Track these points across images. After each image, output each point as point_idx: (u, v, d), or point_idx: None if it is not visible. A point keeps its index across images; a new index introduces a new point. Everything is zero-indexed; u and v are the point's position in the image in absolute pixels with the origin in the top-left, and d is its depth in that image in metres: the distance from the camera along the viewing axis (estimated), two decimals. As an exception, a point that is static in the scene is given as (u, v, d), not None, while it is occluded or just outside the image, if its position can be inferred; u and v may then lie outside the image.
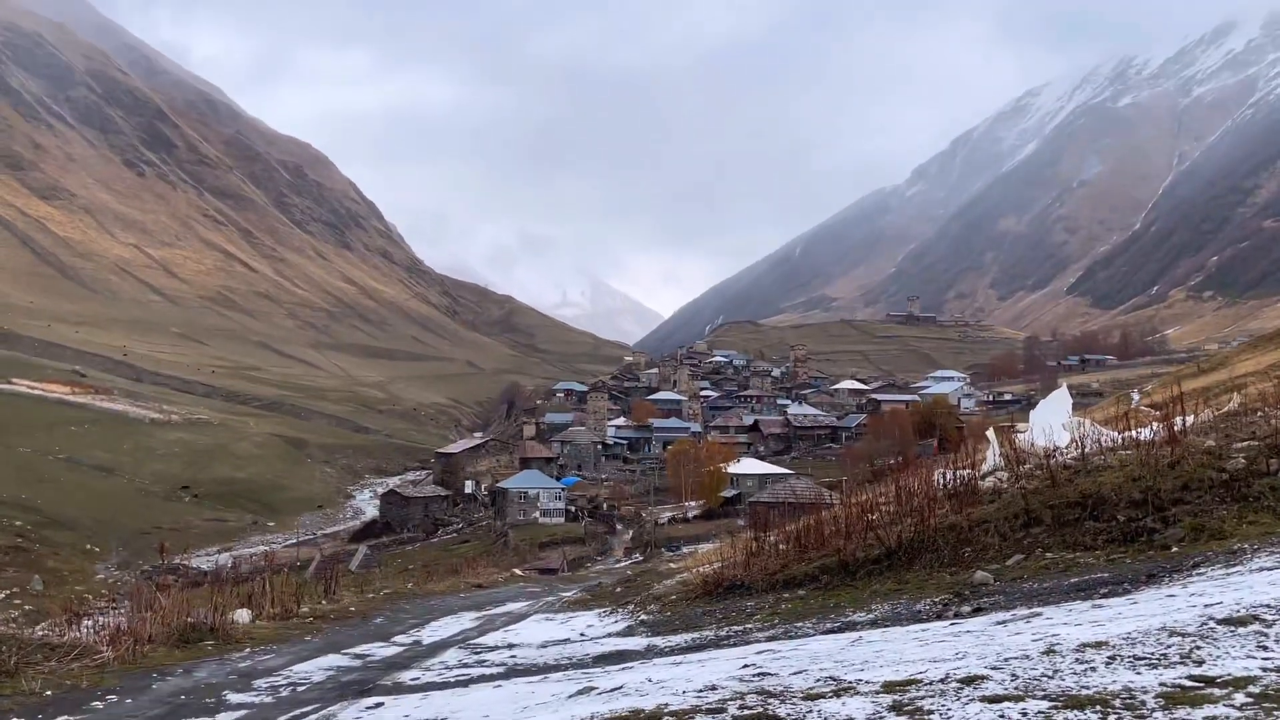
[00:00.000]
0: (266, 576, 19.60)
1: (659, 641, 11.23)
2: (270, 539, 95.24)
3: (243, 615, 16.05)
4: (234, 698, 9.82)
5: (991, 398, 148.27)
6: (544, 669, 10.29)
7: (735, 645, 9.73)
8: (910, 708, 4.81)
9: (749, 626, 11.02)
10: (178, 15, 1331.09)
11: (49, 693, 9.99)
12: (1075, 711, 4.37)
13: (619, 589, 20.02)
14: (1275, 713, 4.06)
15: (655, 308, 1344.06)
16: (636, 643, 11.44)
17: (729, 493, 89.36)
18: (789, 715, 5.07)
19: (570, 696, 7.52)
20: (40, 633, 12.98)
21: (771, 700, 5.55)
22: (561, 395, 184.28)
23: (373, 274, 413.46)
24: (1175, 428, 12.29)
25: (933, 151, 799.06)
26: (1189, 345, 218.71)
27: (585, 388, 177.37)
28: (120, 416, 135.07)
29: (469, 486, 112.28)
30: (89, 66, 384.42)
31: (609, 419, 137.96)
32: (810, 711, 5.06)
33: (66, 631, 12.97)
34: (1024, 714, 4.46)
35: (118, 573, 77.86)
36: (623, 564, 55.32)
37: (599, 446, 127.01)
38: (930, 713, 4.67)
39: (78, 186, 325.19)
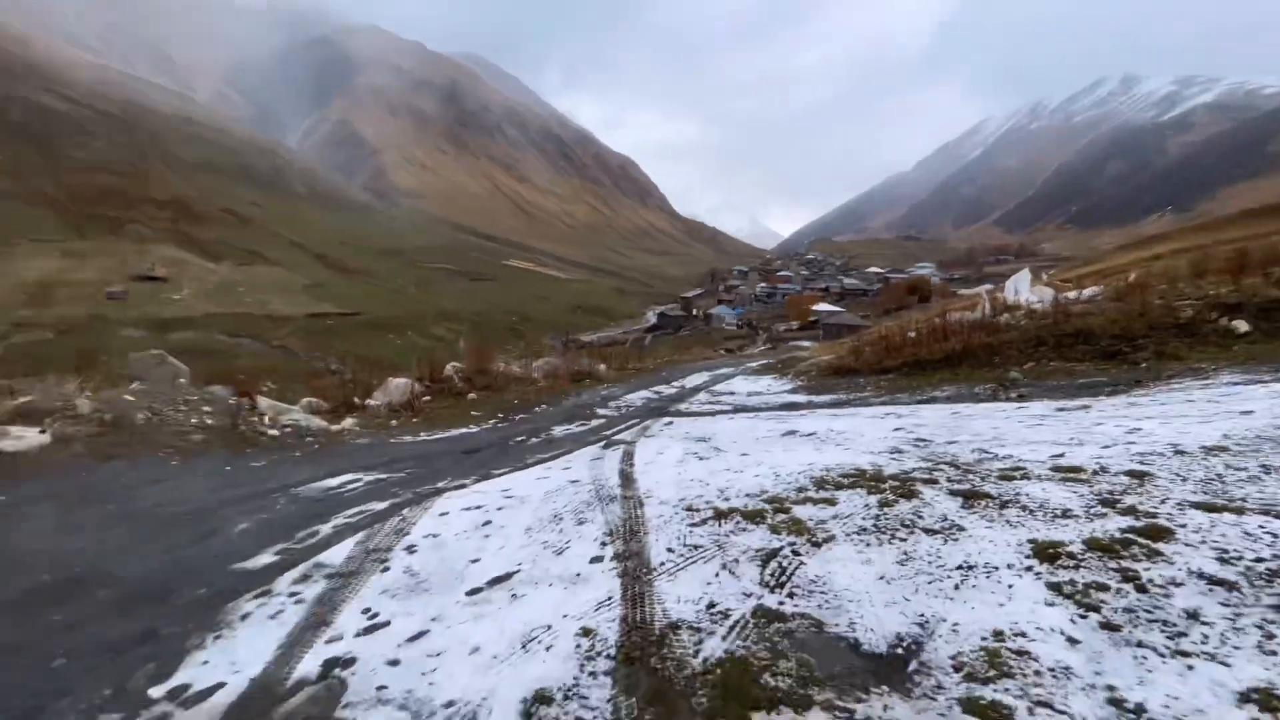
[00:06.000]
0: (612, 350, 33.72)
1: (814, 399, 14.82)
2: (612, 331, 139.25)
3: (601, 367, 25.10)
4: (600, 410, 15.16)
5: (950, 276, 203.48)
6: (755, 409, 13.88)
7: (861, 406, 12.56)
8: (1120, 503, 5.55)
9: (866, 395, 14.20)
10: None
11: (515, 401, 16.91)
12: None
13: (779, 364, 26.04)
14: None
15: (776, 229, 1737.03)
16: (801, 398, 15.22)
17: (813, 318, 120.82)
18: (997, 494, 6.06)
19: (784, 435, 9.81)
20: (514, 368, 21.92)
21: (971, 475, 6.57)
22: (738, 272, 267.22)
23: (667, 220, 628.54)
24: (1140, 286, 16.09)
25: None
26: (1057, 254, 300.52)
27: (747, 269, 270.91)
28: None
29: (696, 311, 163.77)
30: (540, 126, 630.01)
31: (757, 283, 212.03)
32: (1019, 494, 6.02)
33: (526, 369, 21.82)
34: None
35: (551, 344, 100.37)
36: (760, 349, 68.70)
37: (753, 296, 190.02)
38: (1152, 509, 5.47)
39: (539, 180, 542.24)
